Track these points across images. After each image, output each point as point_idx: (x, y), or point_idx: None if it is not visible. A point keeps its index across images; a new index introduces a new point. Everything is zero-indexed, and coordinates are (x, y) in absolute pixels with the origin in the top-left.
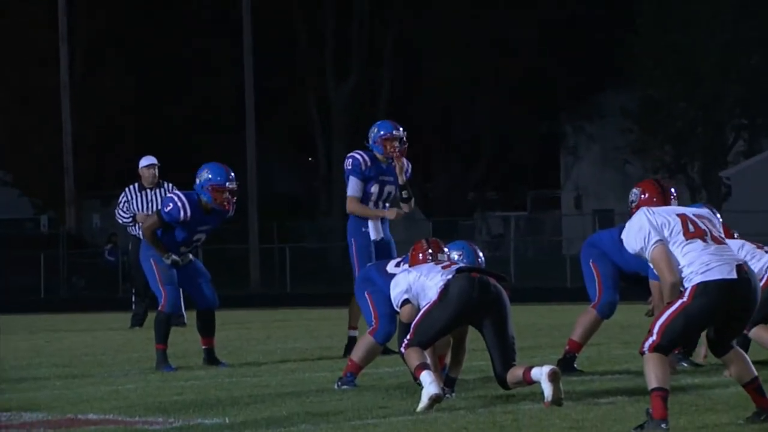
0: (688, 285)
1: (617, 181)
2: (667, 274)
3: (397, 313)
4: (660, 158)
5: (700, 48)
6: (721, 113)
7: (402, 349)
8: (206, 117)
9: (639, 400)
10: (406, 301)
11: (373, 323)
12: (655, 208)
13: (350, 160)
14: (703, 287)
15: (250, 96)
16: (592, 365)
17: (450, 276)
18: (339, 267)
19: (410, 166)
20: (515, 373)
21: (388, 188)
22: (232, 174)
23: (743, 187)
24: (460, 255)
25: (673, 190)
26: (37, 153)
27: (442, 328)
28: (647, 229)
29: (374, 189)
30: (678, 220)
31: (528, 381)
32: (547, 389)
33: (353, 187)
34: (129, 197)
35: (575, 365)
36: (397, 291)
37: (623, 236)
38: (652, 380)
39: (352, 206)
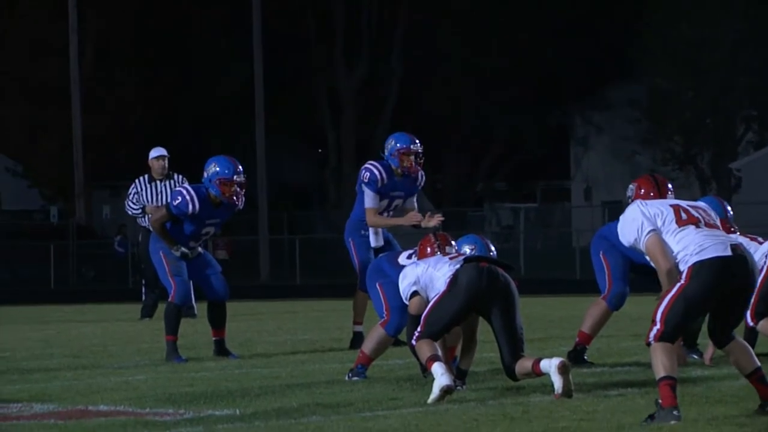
0: (684, 267)
1: (627, 173)
2: (662, 262)
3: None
4: (669, 149)
5: (709, 39)
6: (730, 104)
7: (413, 341)
8: (216, 108)
9: (649, 391)
10: (414, 293)
11: (384, 315)
12: (648, 201)
13: (367, 173)
14: (699, 266)
15: (259, 87)
16: (602, 357)
17: (458, 266)
18: (349, 258)
19: (423, 178)
20: (524, 365)
21: (396, 202)
22: (240, 167)
23: (753, 178)
24: (472, 249)
25: (669, 185)
26: (47, 144)
27: (452, 319)
28: (640, 220)
29: (384, 202)
30: (671, 209)
31: (537, 372)
32: (557, 381)
33: (371, 199)
34: (139, 188)
35: (585, 357)
36: (405, 283)
37: (618, 230)
38: (660, 369)
39: (373, 219)
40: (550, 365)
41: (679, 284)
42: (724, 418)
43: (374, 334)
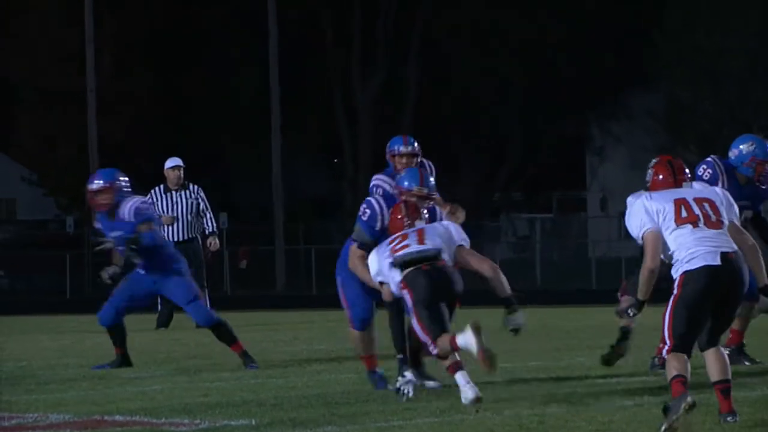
0: (676, 275)
1: (643, 183)
2: (649, 260)
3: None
4: (686, 159)
5: (726, 49)
6: (747, 114)
7: (434, 352)
8: (232, 118)
9: (666, 402)
10: (381, 282)
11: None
12: (654, 194)
13: (379, 188)
14: (689, 275)
15: (275, 97)
16: (617, 367)
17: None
18: None
19: (432, 169)
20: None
21: None
22: (97, 176)
23: None
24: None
25: (686, 170)
26: (62, 153)
27: (432, 322)
28: (642, 215)
29: None
30: (672, 206)
31: (454, 347)
32: (473, 342)
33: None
34: (154, 199)
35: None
36: (373, 273)
37: (626, 220)
38: (672, 371)
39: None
40: (465, 337)
41: (672, 295)
42: (740, 429)
43: (352, 338)
